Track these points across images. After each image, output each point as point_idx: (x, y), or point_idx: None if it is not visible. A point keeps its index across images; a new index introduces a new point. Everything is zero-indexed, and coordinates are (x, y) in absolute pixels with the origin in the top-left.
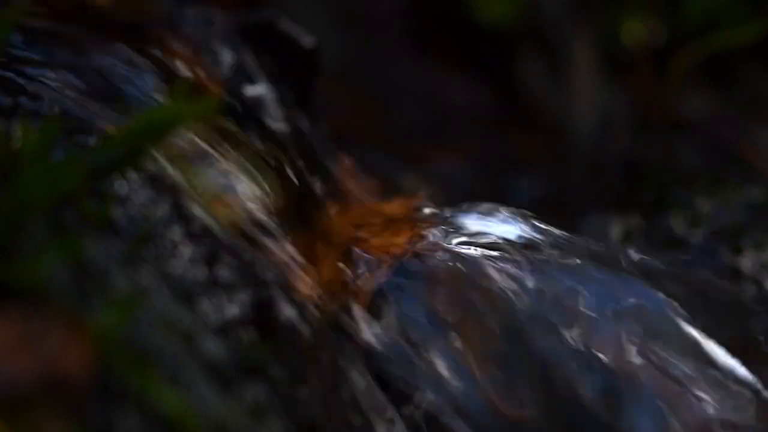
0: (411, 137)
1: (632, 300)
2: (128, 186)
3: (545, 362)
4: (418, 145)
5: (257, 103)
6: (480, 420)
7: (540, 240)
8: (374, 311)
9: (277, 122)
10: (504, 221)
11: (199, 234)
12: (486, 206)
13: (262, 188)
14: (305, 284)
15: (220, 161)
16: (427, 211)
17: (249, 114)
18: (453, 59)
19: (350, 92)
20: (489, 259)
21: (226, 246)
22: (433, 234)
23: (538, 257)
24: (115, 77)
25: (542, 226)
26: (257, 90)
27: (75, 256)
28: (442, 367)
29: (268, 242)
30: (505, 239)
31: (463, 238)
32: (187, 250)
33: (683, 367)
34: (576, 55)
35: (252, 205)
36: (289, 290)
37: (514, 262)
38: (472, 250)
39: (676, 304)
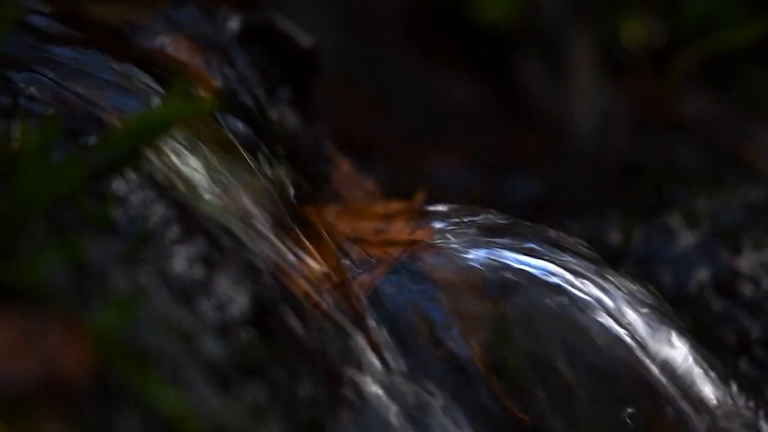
0: (411, 137)
1: None
2: (128, 186)
3: (544, 362)
4: (417, 145)
5: (256, 102)
6: (479, 418)
7: (532, 239)
8: (372, 311)
9: (276, 122)
10: (499, 222)
11: (198, 234)
12: (479, 209)
13: (260, 188)
14: (304, 284)
15: (219, 161)
16: (425, 211)
17: (248, 113)
18: (453, 59)
19: (350, 92)
20: (487, 258)
21: (226, 246)
22: (432, 234)
23: (532, 256)
24: (115, 76)
25: (534, 228)
26: (256, 90)
27: (75, 256)
28: (441, 366)
29: (268, 242)
30: (501, 239)
31: (462, 238)
32: (187, 250)
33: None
34: (576, 55)
35: (251, 205)
36: (288, 290)
37: (511, 260)
38: (471, 250)
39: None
